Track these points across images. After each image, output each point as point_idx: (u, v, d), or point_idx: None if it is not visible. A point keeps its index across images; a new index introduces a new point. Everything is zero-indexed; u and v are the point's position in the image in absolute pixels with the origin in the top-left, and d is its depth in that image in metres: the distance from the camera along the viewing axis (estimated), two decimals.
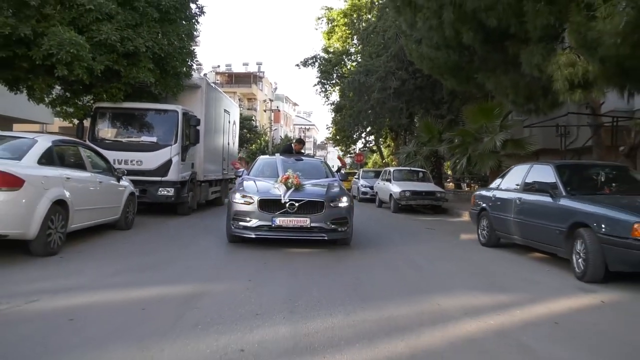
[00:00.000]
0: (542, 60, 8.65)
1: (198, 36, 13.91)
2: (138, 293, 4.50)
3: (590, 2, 7.09)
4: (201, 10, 12.21)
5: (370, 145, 35.78)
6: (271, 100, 64.06)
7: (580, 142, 14.14)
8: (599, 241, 5.31)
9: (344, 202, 7.15)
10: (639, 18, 6.90)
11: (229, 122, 16.20)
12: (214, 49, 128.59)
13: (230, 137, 16.34)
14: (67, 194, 6.12)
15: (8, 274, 4.96)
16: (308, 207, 6.82)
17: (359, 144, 35.70)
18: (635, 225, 4.93)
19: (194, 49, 12.17)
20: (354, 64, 30.63)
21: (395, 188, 15.50)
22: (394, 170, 17.20)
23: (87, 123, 11.51)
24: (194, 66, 13.68)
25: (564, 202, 6.08)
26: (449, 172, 28.71)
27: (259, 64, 75.55)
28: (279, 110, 69.98)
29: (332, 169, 9.95)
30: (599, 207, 5.52)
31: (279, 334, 3.44)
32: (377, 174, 20.38)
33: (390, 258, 6.88)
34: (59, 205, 5.94)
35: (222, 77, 67.35)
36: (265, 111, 62.90)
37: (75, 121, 11.57)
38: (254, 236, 6.80)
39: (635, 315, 4.46)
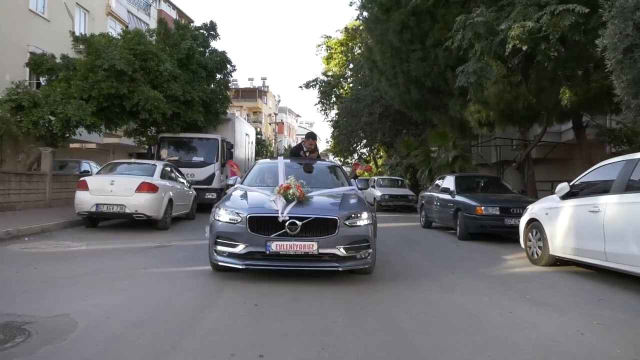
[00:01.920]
0: (461, 108, 13.40)
1: (232, 86, 18.75)
2: (196, 242, 9.11)
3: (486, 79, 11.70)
4: (234, 69, 17.05)
5: (365, 157, 40.46)
6: (275, 114, 69.07)
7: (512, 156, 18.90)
8: (468, 219, 9.96)
9: (363, 220, 5.33)
10: (504, 90, 11.63)
11: (248, 142, 21.07)
12: None
13: (249, 153, 21.18)
14: (172, 194, 10.81)
15: (153, 234, 9.60)
16: (315, 226, 5.08)
17: (355, 156, 40.39)
18: (477, 208, 9.59)
19: (228, 95, 16.96)
20: (351, 85, 35.48)
21: (377, 192, 20.22)
22: (377, 179, 21.94)
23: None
24: (229, 107, 18.48)
25: (455, 197, 10.74)
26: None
27: (264, 79, 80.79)
28: (282, 123, 75.15)
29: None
30: (466, 199, 10.18)
31: None
32: (366, 182, 25.15)
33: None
34: (170, 202, 10.63)
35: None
36: (270, 124, 67.88)
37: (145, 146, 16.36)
38: (242, 267, 5.12)
39: (473, 250, 8.99)
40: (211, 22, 16.54)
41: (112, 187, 9.64)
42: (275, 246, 5.00)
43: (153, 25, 35.30)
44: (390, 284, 5.43)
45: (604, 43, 7.12)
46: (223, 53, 16.36)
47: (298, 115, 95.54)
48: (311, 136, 8.48)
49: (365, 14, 16.23)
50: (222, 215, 5.35)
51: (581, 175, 6.51)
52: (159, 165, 10.95)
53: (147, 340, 3.34)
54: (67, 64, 14.86)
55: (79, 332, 3.42)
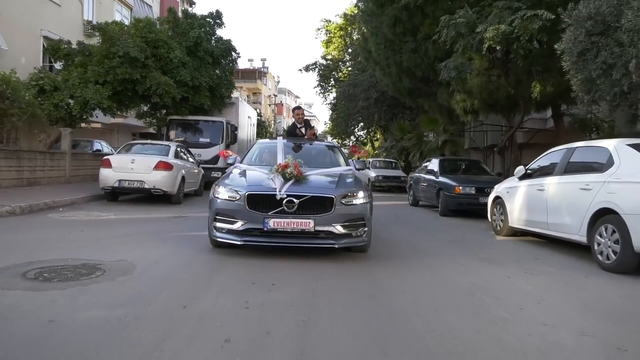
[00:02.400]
0: (448, 97, 14.55)
1: (235, 71, 19.82)
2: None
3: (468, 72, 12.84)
4: (238, 55, 18.10)
5: (362, 139, 41.58)
6: (275, 96, 69.91)
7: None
8: (447, 197, 11.21)
9: (359, 198, 5.50)
10: (487, 82, 12.76)
11: (250, 124, 22.22)
12: None
13: (251, 134, 22.35)
14: (184, 172, 12.02)
15: (169, 207, 10.83)
16: (312, 204, 5.25)
17: (353, 138, 41.55)
18: (456, 188, 10.84)
19: (232, 80, 18.04)
20: (349, 69, 36.44)
21: (372, 173, 21.45)
22: (372, 161, 23.15)
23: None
24: (233, 91, 19.58)
25: (438, 178, 11.98)
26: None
27: (263, 59, 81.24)
28: (282, 104, 75.98)
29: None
30: (447, 180, 11.44)
31: None
32: (364, 163, 26.42)
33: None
34: (182, 179, 11.83)
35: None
36: (269, 105, 68.77)
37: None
38: (240, 243, 5.35)
39: (450, 224, 10.23)
40: (217, 11, 17.55)
41: (133, 165, 10.85)
42: (272, 223, 5.16)
43: (156, 7, 36.10)
44: (372, 248, 6.69)
45: (562, 47, 8.31)
46: (228, 41, 17.41)
47: (297, 97, 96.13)
48: (298, 107, 8.95)
49: (361, 3, 17.25)
50: (222, 192, 5.53)
51: (535, 160, 7.76)
52: (173, 146, 12.14)
53: (187, 276, 4.59)
54: (82, 49, 15.90)
55: (139, 270, 4.67)
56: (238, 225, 5.31)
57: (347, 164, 6.90)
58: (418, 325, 3.41)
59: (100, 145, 19.94)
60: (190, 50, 16.24)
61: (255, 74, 73.27)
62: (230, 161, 6.99)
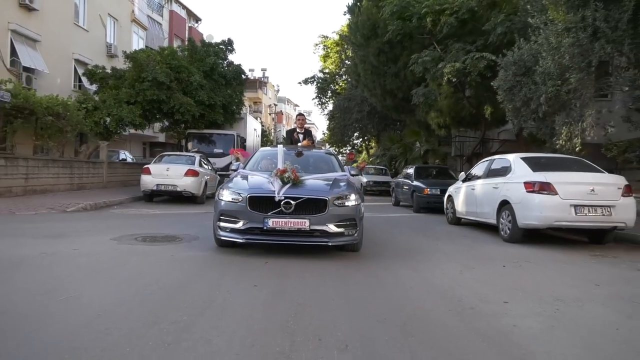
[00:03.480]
0: (425, 114, 17.36)
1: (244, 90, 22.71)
2: None
3: (433, 98, 15.66)
4: (246, 77, 20.91)
5: (358, 147, 44.40)
6: (275, 105, 72.82)
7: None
8: (419, 197, 13.97)
9: (351, 201, 5.96)
10: (456, 103, 15.58)
11: (256, 135, 25.10)
12: None
13: (256, 144, 25.19)
14: (206, 178, 14.77)
15: (195, 206, 13.53)
16: (308, 206, 5.72)
17: (349, 146, 44.38)
18: (425, 190, 13.62)
19: (242, 99, 20.90)
20: (346, 82, 39.32)
21: (364, 179, 24.21)
22: (365, 168, 25.96)
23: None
24: (243, 108, 22.46)
25: (413, 182, 14.74)
26: None
27: (264, 69, 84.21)
28: (282, 113, 78.93)
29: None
30: (419, 183, 14.21)
31: None
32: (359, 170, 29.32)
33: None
34: (205, 183, 14.59)
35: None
36: (270, 114, 71.66)
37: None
38: (242, 241, 5.86)
39: (419, 218, 12.97)
40: (229, 39, 20.44)
41: (168, 172, 13.63)
42: (271, 223, 5.64)
43: (165, 25, 38.98)
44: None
45: (496, 84, 11.15)
46: (239, 66, 20.29)
47: (296, 105, 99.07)
48: (301, 114, 9.49)
49: (352, 36, 20.12)
50: (225, 195, 6.01)
51: (473, 167, 10.55)
52: (197, 157, 14.93)
53: (230, 251, 7.33)
54: (114, 74, 18.73)
55: (201, 239, 7.37)
56: (240, 224, 5.80)
57: (342, 170, 7.34)
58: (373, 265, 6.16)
59: (125, 155, 22.75)
60: (206, 74, 19.08)
61: (256, 84, 75.82)
62: (233, 167, 7.37)
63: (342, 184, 6.36)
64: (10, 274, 4.73)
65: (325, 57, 43.15)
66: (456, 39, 13.37)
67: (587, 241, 8.42)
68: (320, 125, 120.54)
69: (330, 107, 41.94)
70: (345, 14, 20.13)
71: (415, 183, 14.39)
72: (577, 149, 9.88)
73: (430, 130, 18.48)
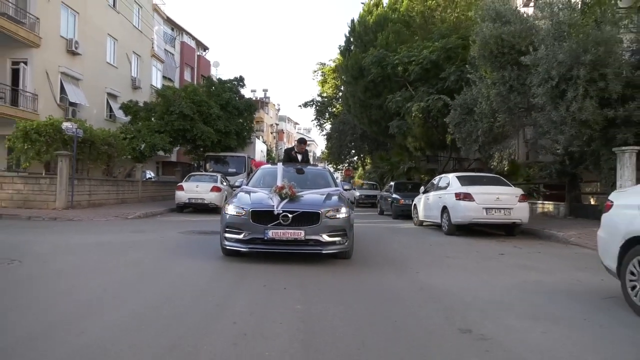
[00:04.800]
0: (403, 139, 21.07)
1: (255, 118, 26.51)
2: None
3: (405, 129, 19.32)
4: (256, 109, 24.71)
5: (353, 164, 48.12)
6: (277, 124, 76.83)
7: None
8: (395, 206, 17.57)
9: (342, 213, 6.48)
10: (427, 130, 19.28)
11: (262, 156, 28.89)
12: (224, 74, 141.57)
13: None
14: (226, 193, 18.35)
15: (219, 216, 17.09)
16: (303, 218, 6.25)
17: (345, 164, 48.14)
18: (400, 200, 17.24)
19: (252, 126, 24.66)
20: (342, 106, 43.18)
21: (357, 193, 27.90)
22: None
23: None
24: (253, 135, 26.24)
25: (392, 195, 18.34)
26: None
27: (265, 90, 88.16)
28: (282, 132, 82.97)
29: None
30: (397, 195, 17.82)
31: None
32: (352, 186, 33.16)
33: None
34: (226, 197, 18.18)
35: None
36: (271, 133, 75.60)
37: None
38: (245, 250, 6.43)
39: (396, 223, 16.47)
40: (240, 76, 24.35)
41: (197, 189, 17.26)
42: (271, 233, 6.24)
43: (177, 56, 42.95)
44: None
45: (448, 120, 14.85)
46: (250, 99, 24.13)
47: (296, 123, 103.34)
48: (302, 141, 9.98)
49: (343, 75, 23.96)
50: (230, 209, 6.64)
51: (428, 183, 14.19)
52: (219, 176, 18.59)
53: None
54: (146, 107, 22.50)
55: None
56: (243, 235, 6.39)
57: (336, 185, 7.98)
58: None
59: (150, 174, 26.43)
60: (222, 107, 22.86)
61: (258, 105, 79.49)
62: (237, 184, 8.29)
63: (334, 198, 7.01)
64: (138, 249, 8.33)
65: (323, 83, 47.04)
66: (423, 82, 17.10)
67: (503, 234, 12.01)
68: (318, 142, 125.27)
69: (328, 127, 45.75)
70: (340, 48, 23.87)
71: (394, 195, 18.00)
72: (506, 168, 13.56)
73: (409, 151, 22.15)
